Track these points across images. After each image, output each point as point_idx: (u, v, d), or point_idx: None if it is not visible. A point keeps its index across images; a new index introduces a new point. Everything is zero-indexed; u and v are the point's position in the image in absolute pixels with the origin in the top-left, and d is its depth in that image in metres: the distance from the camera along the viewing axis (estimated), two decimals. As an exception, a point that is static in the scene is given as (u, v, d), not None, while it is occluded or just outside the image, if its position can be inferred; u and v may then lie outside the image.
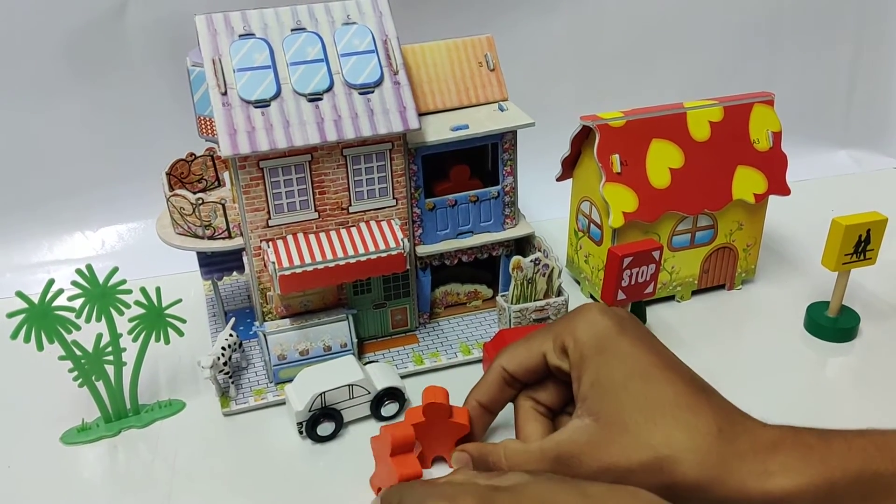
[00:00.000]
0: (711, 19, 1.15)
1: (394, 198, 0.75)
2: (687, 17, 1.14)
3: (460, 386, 0.65)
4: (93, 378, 0.69)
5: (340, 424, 0.69)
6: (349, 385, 0.69)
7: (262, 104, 0.68)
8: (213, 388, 0.74)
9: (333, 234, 0.73)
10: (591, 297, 0.90)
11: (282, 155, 0.69)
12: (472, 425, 0.63)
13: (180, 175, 0.79)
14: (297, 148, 0.68)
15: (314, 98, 0.69)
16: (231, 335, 0.75)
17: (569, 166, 0.88)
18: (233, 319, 0.78)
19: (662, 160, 0.82)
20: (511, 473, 0.49)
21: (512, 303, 0.80)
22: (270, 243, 0.72)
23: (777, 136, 0.86)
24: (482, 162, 0.82)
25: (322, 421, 0.68)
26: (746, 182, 0.84)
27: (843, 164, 1.25)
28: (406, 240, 0.74)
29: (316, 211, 0.73)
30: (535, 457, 0.55)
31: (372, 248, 0.72)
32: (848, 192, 1.16)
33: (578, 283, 0.94)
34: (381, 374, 0.72)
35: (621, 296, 0.74)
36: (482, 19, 1.04)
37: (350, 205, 0.74)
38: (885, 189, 1.17)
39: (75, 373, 0.68)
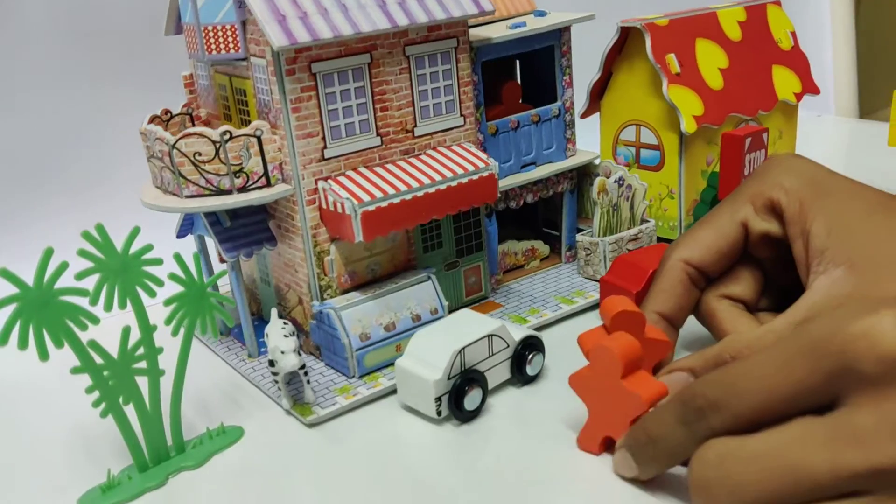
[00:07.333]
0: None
1: (461, 115, 0.59)
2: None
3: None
4: (120, 400, 0.46)
5: (486, 393, 0.51)
6: (488, 336, 0.51)
7: (309, -15, 0.51)
8: (264, 403, 0.53)
9: (403, 164, 0.56)
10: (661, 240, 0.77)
11: (337, 55, 0.52)
12: None
13: (162, 135, 0.58)
14: (355, 44, 0.52)
15: (370, -22, 0.53)
16: (285, 325, 0.54)
17: (596, 97, 0.77)
18: (274, 310, 0.56)
19: (710, 60, 0.73)
20: None
21: (600, 235, 0.66)
22: (331, 182, 0.53)
23: (794, 36, 0.81)
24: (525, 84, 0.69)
25: (468, 390, 0.49)
26: (784, 81, 0.78)
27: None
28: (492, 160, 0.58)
29: (378, 135, 0.55)
30: (786, 334, 0.42)
31: (460, 171, 0.56)
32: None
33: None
34: (510, 326, 0.55)
35: (742, 190, 0.63)
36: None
37: (416, 125, 0.57)
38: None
39: (95, 393, 0.45)
